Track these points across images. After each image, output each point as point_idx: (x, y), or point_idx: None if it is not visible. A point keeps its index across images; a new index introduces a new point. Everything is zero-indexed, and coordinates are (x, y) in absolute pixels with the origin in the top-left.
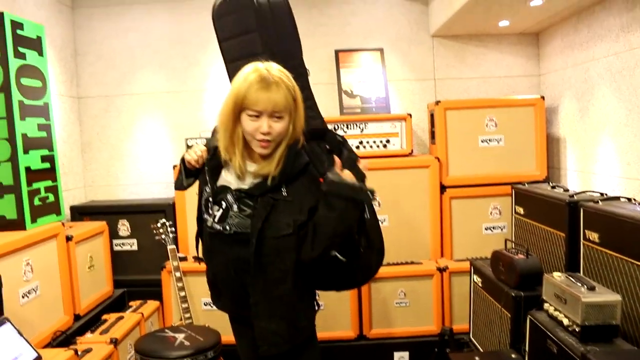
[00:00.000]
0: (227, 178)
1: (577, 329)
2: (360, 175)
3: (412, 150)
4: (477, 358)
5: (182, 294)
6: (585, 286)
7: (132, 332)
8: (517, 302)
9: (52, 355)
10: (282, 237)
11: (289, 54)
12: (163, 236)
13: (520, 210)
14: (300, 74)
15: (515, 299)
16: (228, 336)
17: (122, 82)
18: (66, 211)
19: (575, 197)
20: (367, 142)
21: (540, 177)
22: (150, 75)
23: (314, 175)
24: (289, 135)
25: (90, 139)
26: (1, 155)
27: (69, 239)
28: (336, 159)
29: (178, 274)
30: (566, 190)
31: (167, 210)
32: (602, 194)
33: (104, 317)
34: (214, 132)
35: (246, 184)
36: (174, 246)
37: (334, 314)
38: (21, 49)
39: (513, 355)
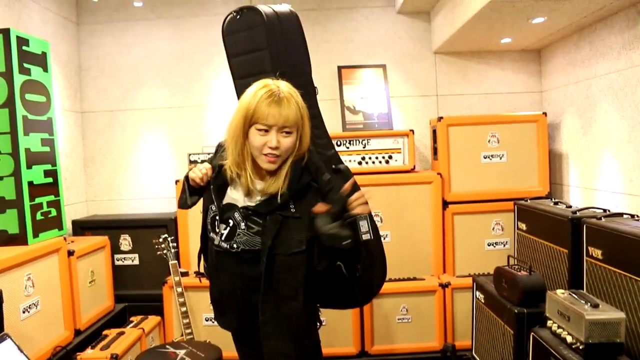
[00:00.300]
0: (234, 196)
1: (581, 347)
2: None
3: (414, 166)
4: None
5: (184, 309)
6: (589, 303)
7: (133, 348)
8: (520, 319)
9: None
10: (294, 254)
11: (298, 72)
12: (165, 251)
13: (523, 226)
14: (308, 92)
15: (518, 316)
16: (229, 352)
17: (126, 97)
18: (68, 225)
19: (578, 214)
20: (370, 158)
21: (542, 193)
22: (154, 91)
23: (318, 189)
24: (295, 152)
25: (93, 154)
26: (4, 170)
27: (70, 253)
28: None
29: (179, 289)
30: (569, 206)
31: (168, 225)
32: (604, 211)
33: (105, 332)
34: (218, 149)
35: (253, 202)
36: (175, 261)
37: (336, 330)
38: (26, 65)
39: None
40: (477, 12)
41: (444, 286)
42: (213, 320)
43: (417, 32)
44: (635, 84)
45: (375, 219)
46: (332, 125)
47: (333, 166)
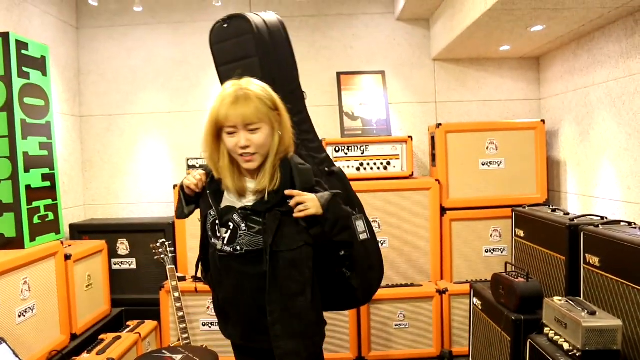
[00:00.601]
0: (231, 198)
1: (578, 354)
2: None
3: (412, 173)
4: None
5: (181, 314)
6: (586, 311)
7: (129, 353)
8: (517, 326)
9: None
10: (298, 248)
11: (288, 78)
12: (162, 256)
13: (521, 233)
14: (298, 97)
15: (516, 323)
16: (226, 357)
17: (125, 101)
18: (65, 229)
19: (576, 221)
20: (368, 164)
21: (540, 200)
22: (153, 95)
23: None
24: (275, 147)
25: (91, 158)
26: (2, 174)
27: (67, 257)
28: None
29: (177, 294)
30: (566, 213)
31: (166, 229)
32: (602, 218)
33: (101, 336)
34: None
35: (250, 201)
36: (172, 266)
37: (333, 336)
38: (25, 69)
39: None
40: (476, 20)
41: (441, 292)
42: (210, 325)
43: (417, 39)
44: (633, 92)
45: (373, 224)
46: (331, 131)
47: (326, 169)
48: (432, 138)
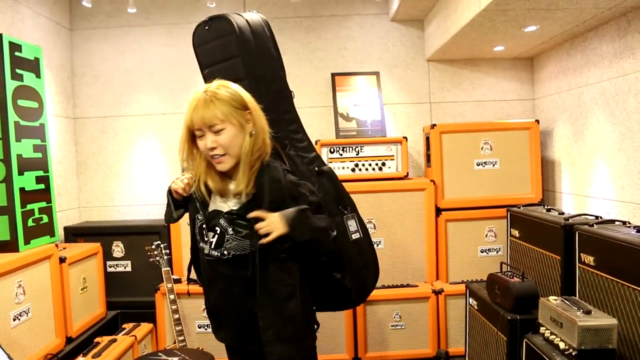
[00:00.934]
0: (216, 201)
1: (573, 353)
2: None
3: (407, 173)
4: None
5: (176, 316)
6: (581, 310)
7: (125, 356)
8: (513, 326)
9: None
10: (285, 250)
11: (273, 78)
12: (157, 258)
13: (516, 233)
14: (285, 96)
15: (511, 322)
16: (222, 359)
17: (119, 103)
18: (60, 232)
19: (571, 221)
20: (363, 165)
21: (535, 200)
22: (147, 97)
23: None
24: (247, 146)
25: (85, 160)
26: None
27: (62, 260)
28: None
29: (172, 296)
30: (561, 213)
31: (161, 231)
32: (597, 217)
33: (97, 339)
34: None
35: (234, 204)
36: (168, 268)
37: (329, 337)
38: (19, 71)
39: None
40: (470, 21)
41: (437, 293)
42: (206, 328)
43: (411, 39)
44: (626, 92)
45: (368, 225)
46: (326, 132)
47: (316, 168)
48: (427, 139)
